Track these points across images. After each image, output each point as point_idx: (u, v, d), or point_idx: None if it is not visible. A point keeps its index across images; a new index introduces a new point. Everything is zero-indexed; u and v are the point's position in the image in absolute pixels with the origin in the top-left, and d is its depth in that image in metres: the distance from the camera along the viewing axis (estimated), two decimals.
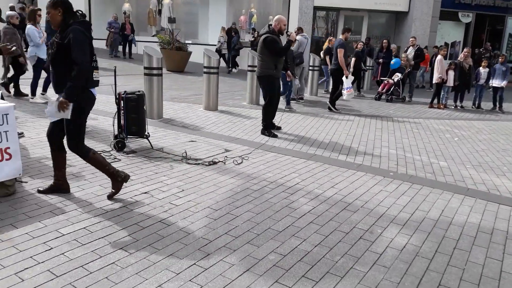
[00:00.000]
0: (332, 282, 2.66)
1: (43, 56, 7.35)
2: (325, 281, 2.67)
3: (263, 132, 6.50)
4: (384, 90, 11.38)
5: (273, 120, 6.82)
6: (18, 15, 8.05)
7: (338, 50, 8.68)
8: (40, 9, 7.57)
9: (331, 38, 11.56)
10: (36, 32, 7.27)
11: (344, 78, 8.84)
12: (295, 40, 7.77)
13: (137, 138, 5.40)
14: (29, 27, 7.27)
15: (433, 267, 2.93)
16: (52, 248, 2.85)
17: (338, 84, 8.98)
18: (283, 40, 6.59)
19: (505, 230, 3.59)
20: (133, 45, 16.20)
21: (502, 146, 6.77)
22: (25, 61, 7.56)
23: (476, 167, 5.45)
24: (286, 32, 6.46)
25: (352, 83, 9.36)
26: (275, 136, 6.40)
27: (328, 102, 9.13)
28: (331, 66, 9.43)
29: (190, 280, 2.59)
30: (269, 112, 6.52)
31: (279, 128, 6.92)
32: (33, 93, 7.63)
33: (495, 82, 10.56)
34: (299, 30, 10.11)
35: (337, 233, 3.34)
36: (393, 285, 2.68)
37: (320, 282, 2.65)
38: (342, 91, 8.92)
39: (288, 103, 8.99)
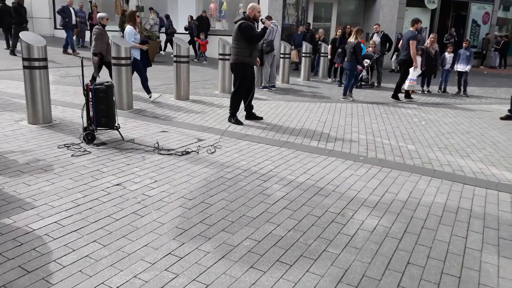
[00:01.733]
0: (306, 265, 2.73)
1: (138, 56, 7.47)
2: (299, 264, 2.74)
3: (229, 119, 6.47)
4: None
5: (254, 110, 6.84)
6: (108, 16, 8.39)
7: (410, 42, 8.98)
8: (137, 11, 7.85)
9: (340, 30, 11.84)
10: (132, 34, 7.36)
11: (411, 69, 9.16)
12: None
13: (107, 129, 5.31)
14: (128, 28, 7.43)
15: (402, 246, 3.04)
16: (22, 244, 2.80)
17: (406, 75, 9.32)
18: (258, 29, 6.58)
19: (469, 209, 3.76)
20: None
21: (466, 128, 7.03)
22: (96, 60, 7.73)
23: (442, 149, 5.64)
24: (261, 20, 6.43)
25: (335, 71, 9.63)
26: (240, 123, 6.38)
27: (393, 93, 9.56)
28: (400, 57, 9.57)
29: (166, 270, 2.60)
30: (237, 100, 6.46)
31: (260, 118, 6.85)
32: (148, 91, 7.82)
33: (460, 67, 10.88)
34: (268, 18, 10.08)
35: (310, 218, 3.41)
36: (364, 265, 2.77)
37: (294, 266, 2.72)
38: (406, 81, 9.30)
39: (348, 92, 9.32)
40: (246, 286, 2.47)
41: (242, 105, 6.61)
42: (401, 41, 9.61)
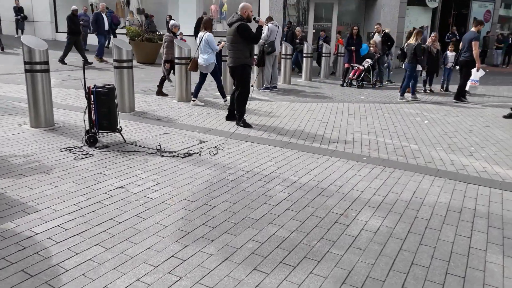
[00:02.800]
0: (310, 267, 2.72)
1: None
2: (302, 266, 2.73)
3: (237, 123, 6.43)
4: (355, 76, 11.52)
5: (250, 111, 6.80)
6: (179, 25, 8.95)
7: (473, 43, 9.04)
8: (213, 18, 8.75)
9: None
10: (213, 40, 7.58)
11: (474, 70, 9.18)
12: (266, 25, 7.75)
13: (109, 132, 5.31)
14: (208, 34, 7.54)
15: (406, 247, 3.03)
16: (25, 247, 2.80)
17: (468, 76, 9.33)
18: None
19: (473, 208, 3.74)
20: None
21: (469, 127, 7.00)
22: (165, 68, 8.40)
23: (445, 149, 5.62)
24: (254, 19, 6.39)
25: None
26: (249, 126, 6.36)
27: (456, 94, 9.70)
28: (462, 57, 9.54)
29: (169, 273, 2.59)
30: (243, 102, 6.40)
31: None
32: (196, 95, 8.00)
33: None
34: (269, 19, 10.09)
35: (313, 219, 3.40)
36: (368, 266, 2.75)
37: (298, 267, 2.70)
38: (468, 82, 9.34)
39: (412, 94, 9.62)
40: None
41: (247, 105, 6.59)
42: (461, 42, 9.63)
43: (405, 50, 9.66)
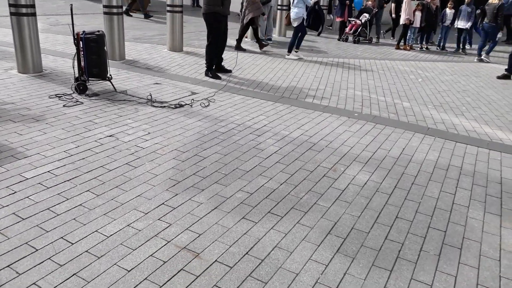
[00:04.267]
0: (297, 217, 2.78)
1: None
2: (289, 216, 2.79)
3: (206, 74, 6.30)
4: (351, 31, 11.30)
5: (223, 63, 6.64)
6: None
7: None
8: None
9: None
10: None
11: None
12: None
13: (99, 80, 5.22)
14: None
15: (392, 201, 3.10)
16: (16, 192, 2.81)
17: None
18: None
19: (459, 166, 3.81)
20: None
21: (463, 87, 6.99)
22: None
23: (437, 107, 5.64)
24: None
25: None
26: (218, 77, 6.23)
27: None
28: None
29: (159, 219, 2.64)
30: (213, 53, 6.25)
31: (229, 71, 6.65)
32: (290, 50, 8.19)
33: (460, 24, 10.67)
34: None
35: (302, 172, 3.45)
36: (353, 218, 2.83)
37: (285, 217, 2.77)
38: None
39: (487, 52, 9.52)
40: (237, 236, 2.53)
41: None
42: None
43: (486, 9, 9.37)
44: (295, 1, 7.75)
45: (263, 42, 8.99)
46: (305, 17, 7.94)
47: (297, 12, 7.78)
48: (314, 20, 8.40)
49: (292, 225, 2.69)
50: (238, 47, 8.61)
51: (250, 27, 8.84)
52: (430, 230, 2.76)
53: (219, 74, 6.34)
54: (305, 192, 3.12)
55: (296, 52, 8.21)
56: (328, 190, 3.18)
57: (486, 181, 3.54)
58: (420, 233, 2.72)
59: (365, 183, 3.34)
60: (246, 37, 9.80)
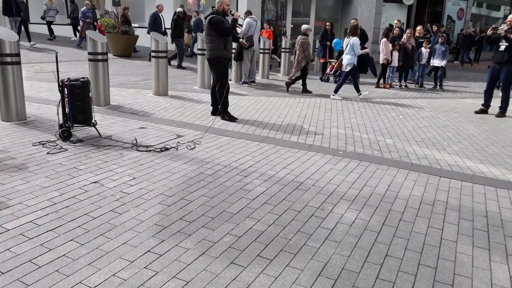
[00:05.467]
0: (286, 259, 2.74)
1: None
2: (279, 258, 2.75)
3: (223, 117, 6.43)
4: (332, 72, 11.62)
5: (233, 106, 6.77)
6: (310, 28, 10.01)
7: None
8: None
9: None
10: (359, 45, 8.87)
11: None
12: (240, 17, 7.74)
13: (84, 126, 5.21)
14: (355, 39, 8.81)
15: (381, 239, 3.09)
16: None
17: None
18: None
19: (445, 201, 3.84)
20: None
21: (443, 122, 7.17)
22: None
23: (420, 143, 5.75)
24: (230, 12, 6.41)
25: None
26: (235, 119, 6.39)
27: None
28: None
29: (145, 267, 2.57)
30: (225, 95, 6.39)
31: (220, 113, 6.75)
32: (336, 91, 8.99)
33: (436, 62, 11.08)
34: (248, 13, 10.06)
35: (290, 212, 3.43)
36: (343, 258, 2.80)
37: (275, 260, 2.73)
38: None
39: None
40: (226, 282, 2.47)
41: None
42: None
43: None
44: (347, 50, 8.88)
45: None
46: (355, 64, 8.93)
47: (349, 59, 8.86)
48: (360, 65, 9.38)
49: (282, 268, 2.65)
50: (305, 90, 9.46)
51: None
52: (421, 267, 2.74)
53: (234, 116, 6.49)
54: (293, 233, 3.09)
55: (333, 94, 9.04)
56: (316, 230, 3.16)
57: (472, 215, 3.57)
58: (411, 270, 2.70)
59: (353, 222, 3.33)
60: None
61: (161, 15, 12.72)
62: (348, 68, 8.97)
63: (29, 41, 14.01)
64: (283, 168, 4.46)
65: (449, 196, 3.97)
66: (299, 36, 9.43)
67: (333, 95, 8.98)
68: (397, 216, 3.47)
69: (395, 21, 12.15)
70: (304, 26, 9.61)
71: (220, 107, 6.44)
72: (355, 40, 8.80)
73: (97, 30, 13.88)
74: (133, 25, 14.18)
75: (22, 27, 13.98)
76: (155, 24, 12.49)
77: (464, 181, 4.36)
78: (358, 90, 9.27)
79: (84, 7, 15.00)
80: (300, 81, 9.54)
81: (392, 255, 2.87)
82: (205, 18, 6.32)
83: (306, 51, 9.19)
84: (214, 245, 2.87)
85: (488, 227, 3.37)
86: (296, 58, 9.40)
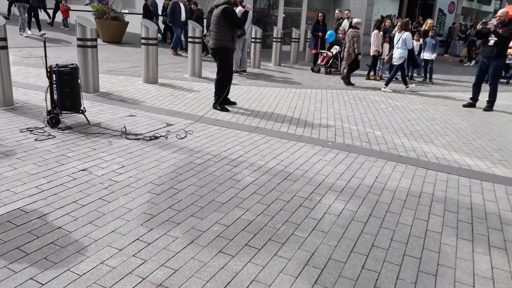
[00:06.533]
0: (274, 249, 2.77)
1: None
2: (267, 248, 2.78)
3: (215, 106, 6.42)
4: (323, 63, 11.63)
5: (229, 96, 6.76)
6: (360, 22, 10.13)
7: None
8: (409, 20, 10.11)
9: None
10: (411, 39, 9.37)
11: None
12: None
13: (72, 113, 5.16)
14: (407, 34, 9.23)
15: (367, 230, 3.13)
16: None
17: None
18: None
19: (431, 193, 3.90)
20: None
21: (431, 115, 7.25)
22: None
23: (408, 136, 5.81)
24: (241, 3, 6.36)
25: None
26: (226, 110, 6.37)
27: None
28: None
29: (133, 255, 2.58)
30: (223, 85, 6.38)
31: (234, 103, 6.81)
32: (387, 84, 9.49)
33: (426, 55, 11.15)
34: (240, 2, 9.98)
35: (278, 202, 3.46)
36: (330, 248, 2.84)
37: (263, 249, 2.76)
38: None
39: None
40: (214, 271, 2.49)
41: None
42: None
43: None
44: (400, 44, 9.28)
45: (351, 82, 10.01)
46: (406, 58, 9.37)
47: (401, 53, 9.28)
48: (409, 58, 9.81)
49: (270, 257, 2.68)
50: (348, 83, 9.73)
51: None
52: (406, 258, 2.79)
53: (227, 107, 6.46)
54: (282, 223, 3.12)
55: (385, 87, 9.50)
56: (304, 220, 3.20)
57: (457, 207, 3.64)
58: (396, 261, 2.75)
59: (341, 212, 3.37)
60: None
61: (182, 4, 12.53)
62: (400, 62, 9.38)
63: (39, 30, 13.24)
64: (272, 158, 4.48)
65: (435, 188, 4.03)
66: (350, 29, 9.84)
67: (384, 88, 9.43)
68: (384, 208, 3.52)
69: (387, 21, 12.12)
70: (355, 20, 10.03)
71: (214, 97, 6.43)
72: (407, 35, 9.22)
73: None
74: (123, 11, 13.96)
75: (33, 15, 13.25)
76: (173, 13, 12.33)
77: (451, 174, 4.43)
78: (405, 83, 9.68)
79: None
80: (295, 74, 9.58)
81: (378, 246, 2.92)
82: (216, 6, 6.22)
83: (356, 43, 9.57)
84: (202, 234, 2.89)
85: (472, 219, 3.44)
86: (346, 50, 9.81)
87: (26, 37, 12.75)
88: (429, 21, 11.91)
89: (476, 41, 17.07)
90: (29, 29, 13.36)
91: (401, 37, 9.28)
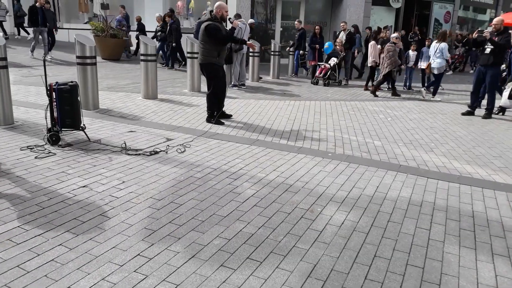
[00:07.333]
0: (276, 261, 2.76)
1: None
2: (269, 260, 2.76)
3: (208, 120, 6.45)
4: (321, 75, 11.70)
5: (224, 109, 6.79)
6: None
7: None
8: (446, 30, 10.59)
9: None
10: (447, 49, 9.66)
11: None
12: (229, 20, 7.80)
13: (73, 130, 5.18)
14: (444, 44, 9.66)
15: (369, 240, 3.12)
16: None
17: None
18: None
19: (432, 202, 3.89)
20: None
21: (430, 124, 7.26)
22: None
23: (407, 145, 5.81)
24: (229, 19, 6.39)
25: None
26: (221, 123, 6.39)
27: None
28: None
29: (134, 271, 2.57)
30: (213, 100, 6.41)
31: (229, 116, 6.84)
32: (434, 94, 10.12)
33: (423, 64, 11.21)
34: (237, 16, 10.09)
35: (279, 214, 3.45)
36: (333, 260, 2.82)
37: (264, 262, 2.74)
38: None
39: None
40: (216, 285, 2.48)
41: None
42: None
43: None
44: (438, 54, 9.64)
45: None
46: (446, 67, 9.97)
47: (440, 62, 9.69)
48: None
49: (272, 270, 2.66)
50: (374, 94, 10.10)
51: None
52: (409, 267, 2.78)
53: (222, 120, 6.49)
54: (283, 235, 3.11)
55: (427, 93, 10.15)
56: (306, 231, 3.18)
57: (459, 215, 3.63)
58: (399, 271, 2.73)
59: (342, 223, 3.36)
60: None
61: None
62: (441, 71, 9.82)
63: (46, 52, 12.29)
64: (272, 170, 4.48)
65: (436, 197, 4.02)
66: (387, 44, 10.15)
67: (433, 97, 9.98)
68: (386, 217, 3.51)
69: (387, 31, 12.32)
70: (393, 35, 10.52)
71: (207, 112, 6.46)
72: (444, 45, 9.63)
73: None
74: (124, 29, 14.04)
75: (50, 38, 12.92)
76: (177, 31, 12.55)
77: (451, 182, 4.42)
78: (434, 94, 10.10)
79: (119, 15, 14.18)
80: (293, 87, 9.64)
81: (381, 256, 2.90)
82: (201, 22, 6.28)
83: (392, 57, 9.90)
84: (203, 248, 2.88)
85: (475, 227, 3.43)
86: (382, 64, 10.25)
87: (50, 59, 12.49)
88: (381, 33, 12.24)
89: (459, 49, 17.38)
90: (50, 50, 12.96)
91: (439, 47, 9.64)
